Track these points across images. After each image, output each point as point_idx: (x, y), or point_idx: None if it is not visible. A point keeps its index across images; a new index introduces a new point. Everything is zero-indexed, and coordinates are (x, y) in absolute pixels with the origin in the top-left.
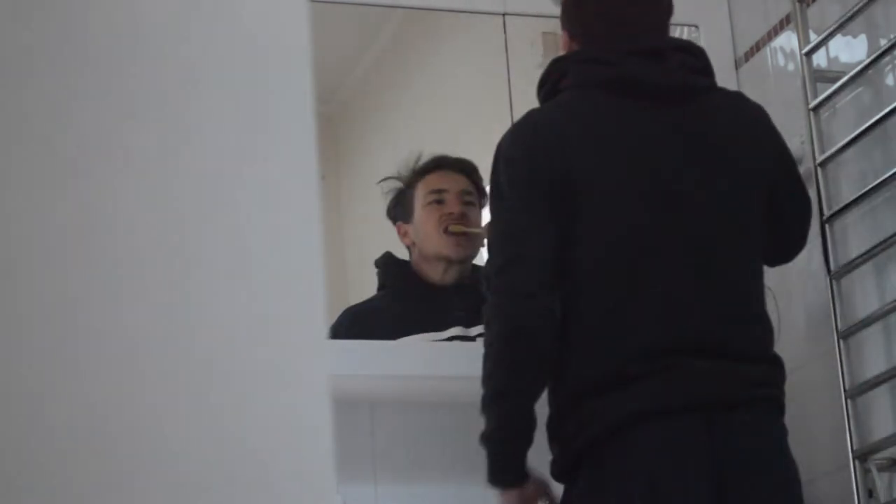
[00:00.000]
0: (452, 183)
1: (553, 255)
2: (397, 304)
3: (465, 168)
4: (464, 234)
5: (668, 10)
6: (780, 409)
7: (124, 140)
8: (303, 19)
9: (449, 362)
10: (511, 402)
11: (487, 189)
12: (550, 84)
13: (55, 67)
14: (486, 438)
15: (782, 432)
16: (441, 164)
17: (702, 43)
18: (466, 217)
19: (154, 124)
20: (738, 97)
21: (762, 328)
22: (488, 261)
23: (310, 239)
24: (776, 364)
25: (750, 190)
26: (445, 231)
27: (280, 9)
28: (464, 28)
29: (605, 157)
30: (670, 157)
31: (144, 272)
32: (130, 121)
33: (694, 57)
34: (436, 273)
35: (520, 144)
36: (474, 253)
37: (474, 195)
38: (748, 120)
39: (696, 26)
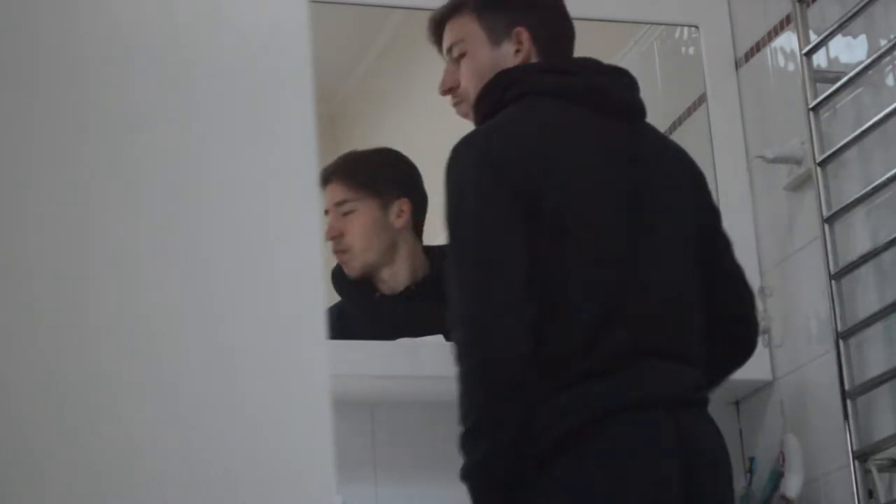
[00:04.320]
0: (328, 198)
1: (525, 272)
2: (354, 314)
3: (329, 176)
4: (341, 251)
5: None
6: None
7: (124, 140)
8: (303, 19)
9: (449, 362)
10: (497, 437)
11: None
12: (498, 94)
13: (55, 68)
14: (469, 474)
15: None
16: (321, 180)
17: (702, 43)
18: (341, 231)
19: (154, 125)
20: (655, 130)
21: (698, 337)
22: (456, 286)
23: (310, 239)
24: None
25: (687, 219)
26: (334, 252)
27: (280, 9)
28: None
29: (581, 171)
30: (635, 173)
31: (144, 272)
32: (130, 121)
33: (631, 79)
34: (371, 285)
35: (487, 158)
36: (356, 259)
37: (349, 198)
38: (672, 150)
39: (696, 26)
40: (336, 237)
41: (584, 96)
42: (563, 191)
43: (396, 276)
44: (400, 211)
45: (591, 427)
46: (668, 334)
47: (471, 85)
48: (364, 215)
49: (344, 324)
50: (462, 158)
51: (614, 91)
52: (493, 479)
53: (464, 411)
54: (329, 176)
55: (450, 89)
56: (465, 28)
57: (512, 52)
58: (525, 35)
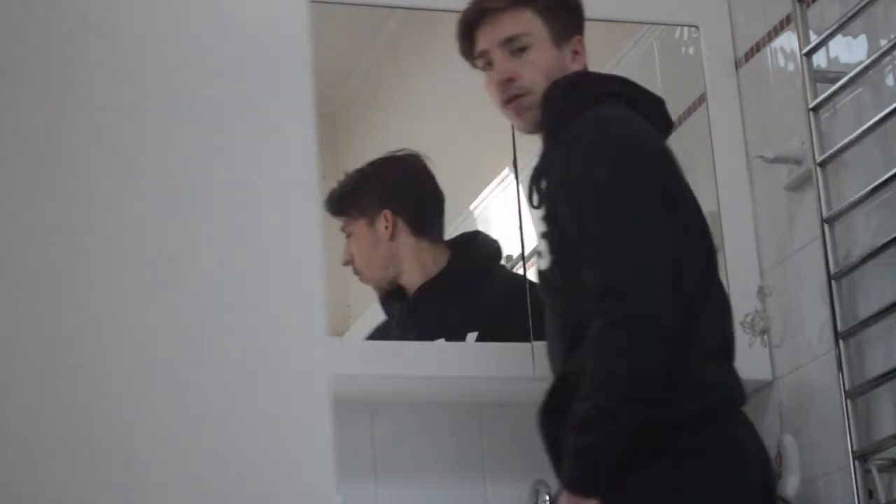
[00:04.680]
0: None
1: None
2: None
3: (333, 207)
4: (357, 275)
5: None
6: None
7: (124, 141)
8: (303, 20)
9: (449, 362)
10: (631, 417)
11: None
12: (583, 92)
13: (56, 68)
14: (593, 446)
15: None
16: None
17: (702, 43)
18: (348, 258)
19: (154, 125)
20: None
21: None
22: (612, 258)
23: (310, 239)
24: None
25: None
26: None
27: (280, 9)
28: None
29: (678, 173)
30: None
31: (144, 273)
32: (130, 122)
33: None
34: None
35: (638, 144)
36: (368, 280)
37: (345, 223)
38: None
39: (696, 26)
40: (347, 263)
41: (651, 108)
42: (682, 188)
43: (412, 281)
44: (385, 223)
45: (717, 412)
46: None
47: (539, 80)
48: (358, 237)
49: (385, 337)
50: (605, 138)
51: (665, 108)
52: (620, 454)
53: (620, 377)
54: (328, 205)
55: (509, 79)
56: (531, 23)
57: (570, 57)
58: (582, 44)
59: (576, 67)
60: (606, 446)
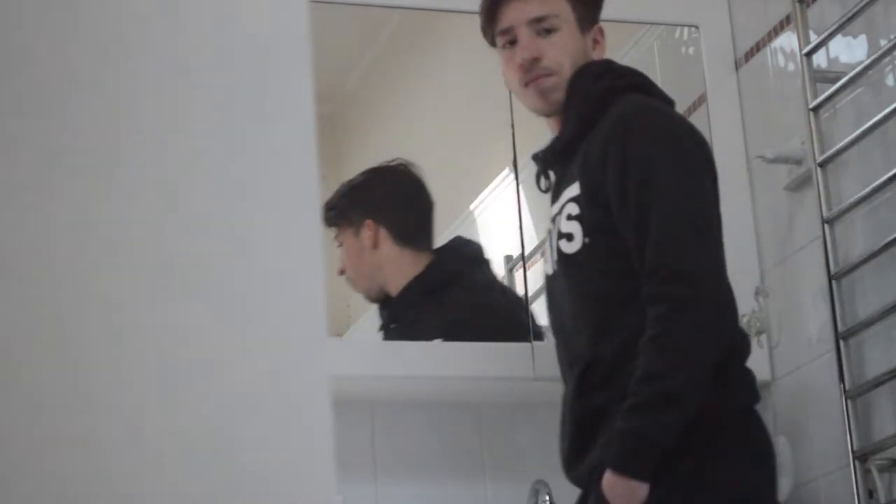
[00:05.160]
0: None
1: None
2: None
3: (326, 219)
4: (351, 285)
5: None
6: None
7: (124, 141)
8: (303, 19)
9: (449, 362)
10: (693, 403)
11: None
12: (613, 81)
13: (56, 68)
14: (656, 430)
15: None
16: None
17: (702, 43)
18: (342, 268)
19: (154, 124)
20: None
21: None
22: (677, 244)
23: (310, 239)
24: None
25: None
26: None
27: (280, 9)
28: (464, 28)
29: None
30: None
31: (144, 273)
32: (129, 122)
33: None
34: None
35: (694, 132)
36: (358, 288)
37: (336, 235)
38: None
39: (696, 26)
40: (341, 272)
41: (668, 103)
42: (715, 181)
43: (396, 289)
44: (368, 233)
45: (754, 404)
46: None
47: (566, 62)
48: (347, 247)
49: None
50: (665, 122)
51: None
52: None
53: (689, 369)
54: (322, 216)
55: (535, 59)
56: (559, 6)
57: (591, 45)
58: (602, 34)
59: (596, 55)
60: (667, 430)
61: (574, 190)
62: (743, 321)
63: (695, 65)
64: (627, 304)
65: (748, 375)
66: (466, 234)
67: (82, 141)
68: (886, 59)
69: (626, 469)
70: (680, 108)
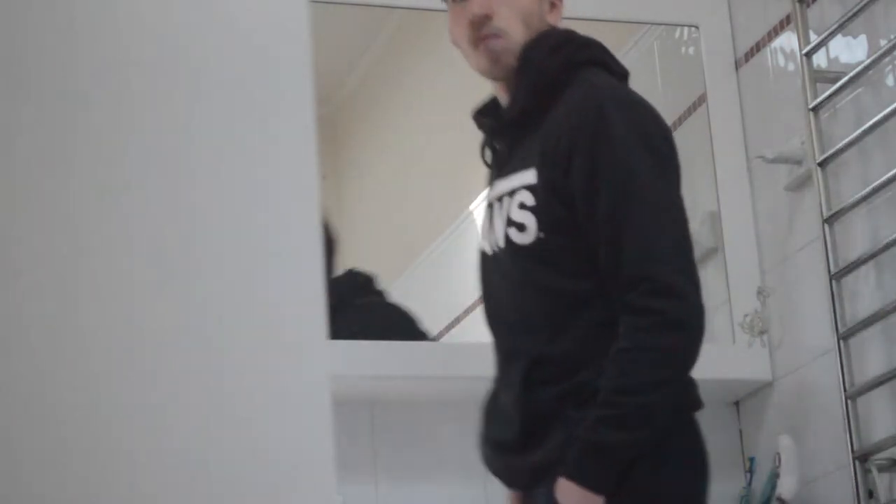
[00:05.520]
0: None
1: None
2: None
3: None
4: None
5: None
6: None
7: (124, 141)
8: (303, 19)
9: (449, 362)
10: (665, 421)
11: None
12: (572, 55)
13: (55, 67)
14: (626, 445)
15: None
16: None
17: (702, 43)
18: None
19: (154, 124)
20: None
21: None
22: (659, 258)
23: (310, 239)
24: None
25: None
26: None
27: (280, 9)
28: None
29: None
30: None
31: (144, 273)
32: (130, 122)
33: None
34: None
35: (660, 123)
36: None
37: None
38: None
39: (696, 26)
40: None
41: (622, 81)
42: (679, 171)
43: None
44: None
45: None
46: None
47: (514, 25)
48: None
49: None
50: (636, 119)
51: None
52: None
53: (658, 381)
54: None
55: (486, 16)
56: None
57: (548, 9)
58: None
59: (552, 20)
60: (635, 447)
61: (530, 177)
62: (745, 321)
63: (695, 65)
64: (581, 305)
65: (693, 383)
66: (466, 234)
67: (82, 141)
68: (886, 59)
69: (590, 482)
70: (680, 107)
